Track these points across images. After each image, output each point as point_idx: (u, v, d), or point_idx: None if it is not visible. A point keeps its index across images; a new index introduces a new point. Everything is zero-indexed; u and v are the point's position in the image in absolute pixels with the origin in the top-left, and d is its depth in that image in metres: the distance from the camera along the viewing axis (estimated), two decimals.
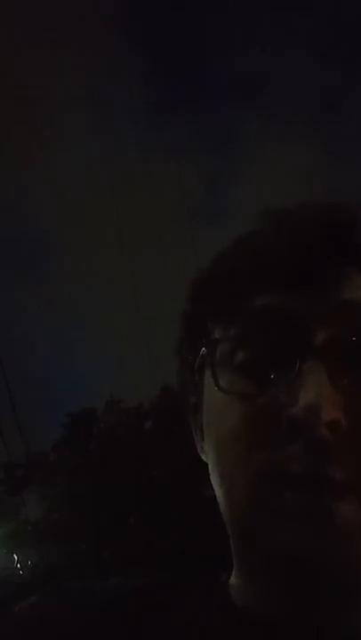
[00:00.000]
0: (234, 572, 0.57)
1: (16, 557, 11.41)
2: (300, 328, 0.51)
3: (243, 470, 0.51)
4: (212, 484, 0.55)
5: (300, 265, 0.52)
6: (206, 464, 0.57)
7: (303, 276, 0.52)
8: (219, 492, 0.54)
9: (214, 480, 0.55)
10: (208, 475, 0.56)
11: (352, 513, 0.49)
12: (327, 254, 0.53)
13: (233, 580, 0.57)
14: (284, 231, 0.54)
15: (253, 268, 0.54)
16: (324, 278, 0.52)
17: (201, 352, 0.56)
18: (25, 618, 0.58)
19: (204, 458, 0.58)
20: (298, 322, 0.51)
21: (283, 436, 0.49)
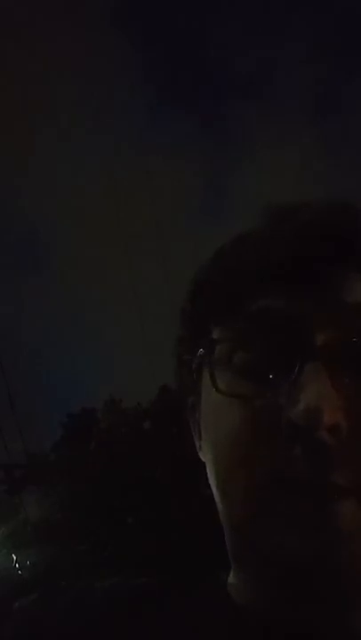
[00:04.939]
0: (232, 572, 0.57)
1: (15, 557, 11.39)
2: (301, 329, 0.51)
3: (241, 473, 0.51)
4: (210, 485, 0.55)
5: (301, 266, 0.52)
6: (205, 464, 0.57)
7: (304, 276, 0.52)
8: (216, 493, 0.54)
9: (212, 481, 0.54)
10: (207, 475, 0.56)
11: (353, 516, 0.48)
12: (329, 255, 0.52)
13: (232, 579, 0.57)
14: (286, 231, 0.54)
15: (254, 268, 0.54)
16: (326, 279, 0.52)
17: (199, 352, 0.56)
18: (24, 618, 0.58)
19: (202, 457, 0.58)
20: (298, 323, 0.51)
21: (282, 439, 0.49)
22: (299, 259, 0.52)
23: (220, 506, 0.54)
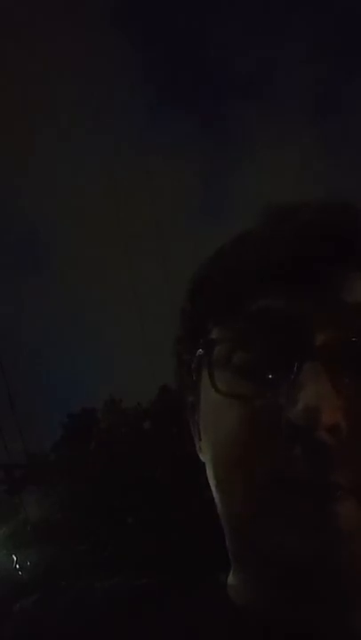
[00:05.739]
0: (232, 572, 0.57)
1: (15, 558, 11.38)
2: (301, 329, 0.51)
3: (240, 474, 0.51)
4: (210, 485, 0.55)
5: (301, 266, 0.52)
6: (205, 464, 0.57)
7: (304, 276, 0.52)
8: (215, 494, 0.54)
9: (211, 481, 0.54)
10: (207, 475, 0.56)
11: (353, 515, 0.48)
12: (329, 255, 0.52)
13: (232, 579, 0.57)
14: (286, 231, 0.54)
15: (254, 268, 0.54)
16: (326, 279, 0.52)
17: (198, 352, 0.56)
18: (24, 618, 0.58)
19: (201, 458, 0.58)
20: (298, 323, 0.51)
21: (282, 439, 0.49)
22: (299, 259, 0.52)
23: (219, 506, 0.54)
